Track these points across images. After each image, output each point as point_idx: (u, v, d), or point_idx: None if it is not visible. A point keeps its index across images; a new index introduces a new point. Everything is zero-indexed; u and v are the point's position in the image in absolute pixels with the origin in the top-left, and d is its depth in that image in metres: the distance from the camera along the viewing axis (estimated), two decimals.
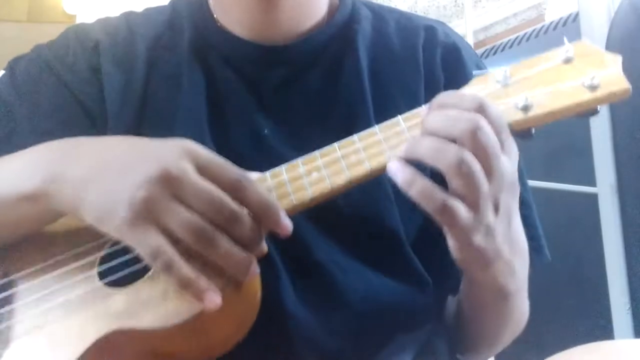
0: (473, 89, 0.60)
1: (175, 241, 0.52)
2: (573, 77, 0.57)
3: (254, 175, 0.58)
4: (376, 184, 0.69)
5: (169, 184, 0.52)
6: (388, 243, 0.70)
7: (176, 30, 0.79)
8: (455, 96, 0.56)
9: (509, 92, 0.58)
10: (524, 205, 0.69)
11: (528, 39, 1.76)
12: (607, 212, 1.44)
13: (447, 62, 0.78)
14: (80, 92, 0.75)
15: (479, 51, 2.03)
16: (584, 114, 0.58)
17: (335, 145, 0.60)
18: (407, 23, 0.82)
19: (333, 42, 0.78)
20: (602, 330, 1.43)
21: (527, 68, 0.59)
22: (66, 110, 0.74)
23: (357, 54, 0.77)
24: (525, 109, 0.57)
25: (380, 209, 0.71)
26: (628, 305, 1.40)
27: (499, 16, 2.43)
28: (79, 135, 0.67)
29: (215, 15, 0.79)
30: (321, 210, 0.64)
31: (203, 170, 0.54)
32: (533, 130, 0.58)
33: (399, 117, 0.60)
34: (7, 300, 0.60)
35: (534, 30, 1.75)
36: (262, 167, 0.63)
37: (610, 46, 1.37)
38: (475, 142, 0.52)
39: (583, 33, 1.43)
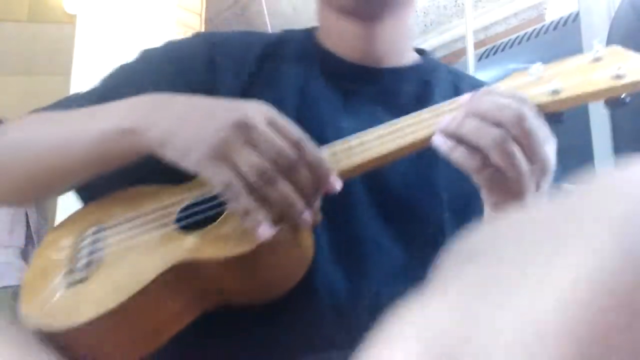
0: (512, 82, 0.68)
1: (243, 179, 0.61)
2: (601, 69, 0.64)
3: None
4: (431, 188, 0.80)
5: (244, 131, 0.62)
6: (432, 239, 0.77)
7: (282, 47, 0.91)
8: (500, 88, 0.66)
9: (541, 81, 0.66)
10: None
11: (528, 38, 1.76)
12: None
13: None
14: (194, 83, 0.83)
15: (479, 51, 2.02)
16: (612, 103, 0.64)
17: (388, 123, 0.70)
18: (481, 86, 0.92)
19: (415, 82, 0.89)
20: None
21: (560, 65, 0.67)
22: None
23: (434, 96, 0.86)
24: (555, 92, 0.64)
25: (432, 207, 0.79)
26: None
27: (499, 16, 2.43)
28: None
29: (321, 38, 0.92)
30: (378, 188, 0.78)
31: (272, 125, 0.64)
32: (564, 115, 0.65)
33: (445, 102, 0.69)
34: (101, 240, 0.72)
35: (534, 30, 1.75)
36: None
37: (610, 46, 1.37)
38: (521, 129, 0.60)
39: (583, 33, 1.43)
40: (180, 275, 0.64)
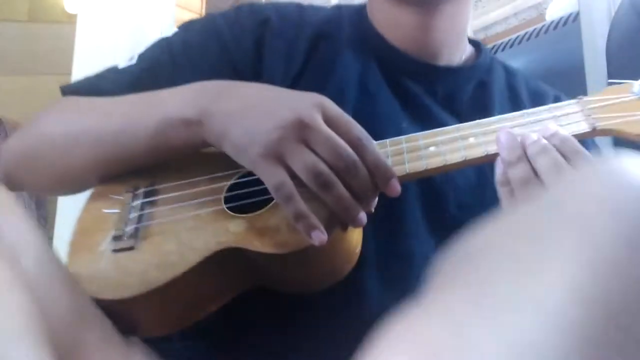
0: (607, 97, 0.62)
1: (298, 181, 0.60)
2: None
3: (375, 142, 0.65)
4: (485, 212, 0.75)
5: (300, 130, 0.60)
6: None
7: (336, 26, 0.87)
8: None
9: None
10: None
11: (529, 38, 1.76)
12: None
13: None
14: (239, 62, 0.82)
15: None
16: None
17: (455, 126, 0.66)
18: (535, 86, 0.91)
19: (472, 81, 0.86)
20: None
21: None
22: (223, 76, 0.78)
23: (492, 96, 0.84)
24: None
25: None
26: None
27: (499, 16, 2.43)
28: None
29: (373, 23, 0.86)
30: (433, 204, 0.74)
31: (331, 122, 0.61)
32: None
33: (514, 114, 0.66)
34: (151, 204, 0.70)
35: (534, 30, 1.75)
36: None
37: (610, 46, 1.37)
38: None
39: (583, 32, 1.43)
40: (225, 259, 0.64)
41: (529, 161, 0.59)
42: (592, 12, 1.44)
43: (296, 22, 0.86)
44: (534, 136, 0.60)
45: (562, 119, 0.63)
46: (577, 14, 1.51)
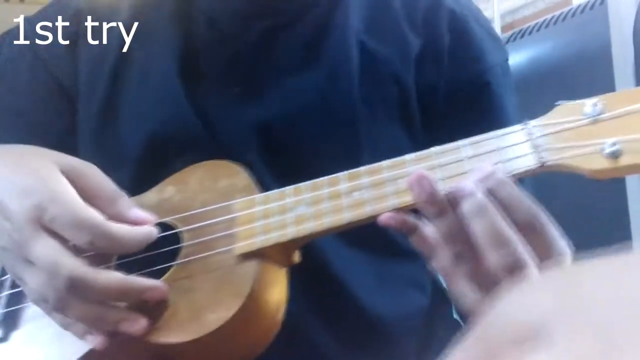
0: (554, 119, 0.52)
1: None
2: None
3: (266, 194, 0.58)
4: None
5: (34, 232, 0.54)
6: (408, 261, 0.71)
7: None
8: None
9: (596, 130, 0.49)
10: None
11: (555, 22, 1.74)
12: (636, 200, 1.42)
13: (454, 28, 0.75)
14: (56, 68, 0.74)
15: (506, 35, 2.01)
16: None
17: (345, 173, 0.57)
18: None
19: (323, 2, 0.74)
20: None
21: (625, 102, 0.49)
22: (42, 89, 0.74)
23: (347, 8, 0.73)
24: (613, 155, 0.47)
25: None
26: None
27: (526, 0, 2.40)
28: (54, 115, 0.71)
29: None
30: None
31: (75, 227, 0.54)
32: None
33: (457, 143, 0.55)
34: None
35: (561, 14, 1.72)
36: (229, 128, 0.67)
37: (638, 30, 1.35)
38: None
39: (610, 16, 1.41)
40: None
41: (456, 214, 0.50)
42: None
43: (110, 3, 0.76)
44: (468, 186, 0.50)
45: (507, 151, 0.53)
46: None
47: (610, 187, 1.44)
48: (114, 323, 0.54)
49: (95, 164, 0.60)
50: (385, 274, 0.71)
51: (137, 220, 0.58)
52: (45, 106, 0.74)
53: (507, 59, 0.79)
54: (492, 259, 0.48)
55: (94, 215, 0.55)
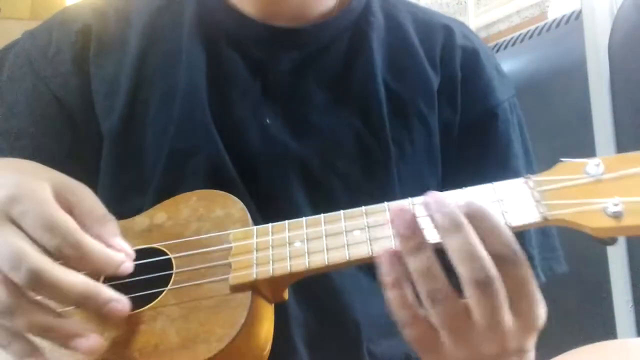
0: (557, 176, 0.52)
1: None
2: None
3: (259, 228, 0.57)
4: None
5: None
6: None
7: (177, 6, 0.75)
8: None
9: (599, 189, 0.50)
10: None
11: (531, 36, 1.75)
12: None
13: (466, 65, 0.76)
14: (59, 88, 0.72)
15: None
16: None
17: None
18: (424, 17, 0.80)
19: (347, 31, 0.75)
20: (605, 329, 1.43)
21: (624, 164, 0.50)
22: (42, 109, 0.72)
23: (371, 46, 0.74)
24: (616, 216, 0.48)
25: None
26: (631, 304, 1.40)
27: (501, 14, 2.42)
28: (53, 138, 0.69)
29: None
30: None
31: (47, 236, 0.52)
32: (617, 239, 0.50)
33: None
34: None
35: (536, 28, 1.74)
36: (263, 155, 0.67)
37: (613, 44, 1.36)
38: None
39: (586, 31, 1.42)
40: None
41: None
42: (594, 11, 1.44)
43: (120, 18, 0.74)
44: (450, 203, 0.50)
45: (508, 203, 0.53)
46: (580, 12, 1.50)
47: None
48: (66, 337, 0.51)
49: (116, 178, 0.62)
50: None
51: (117, 248, 0.56)
52: (45, 128, 0.71)
53: (514, 95, 0.80)
54: (462, 272, 0.48)
55: (68, 220, 0.53)
